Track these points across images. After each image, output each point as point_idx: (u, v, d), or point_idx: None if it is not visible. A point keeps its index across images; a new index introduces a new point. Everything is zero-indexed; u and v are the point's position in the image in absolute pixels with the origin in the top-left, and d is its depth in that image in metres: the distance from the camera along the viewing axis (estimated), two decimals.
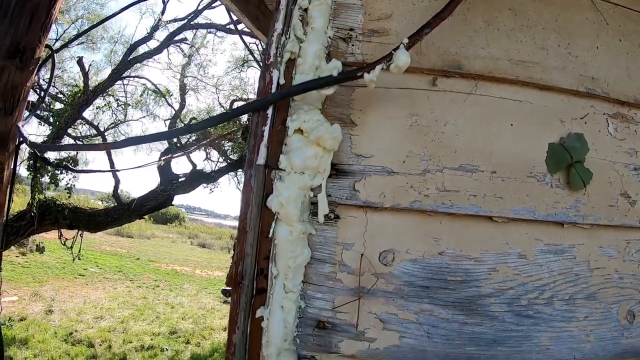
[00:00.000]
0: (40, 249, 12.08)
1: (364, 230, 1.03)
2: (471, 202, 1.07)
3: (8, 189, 2.03)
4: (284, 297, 0.97)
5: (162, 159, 6.78)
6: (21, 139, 2.10)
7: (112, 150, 7.76)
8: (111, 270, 11.91)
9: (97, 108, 7.23)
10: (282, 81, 1.05)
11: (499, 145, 1.10)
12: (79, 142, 7.98)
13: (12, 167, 2.07)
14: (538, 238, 1.12)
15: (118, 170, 7.67)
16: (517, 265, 1.09)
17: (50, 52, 2.59)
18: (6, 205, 2.05)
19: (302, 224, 0.98)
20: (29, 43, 2.23)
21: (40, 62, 2.50)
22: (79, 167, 7.23)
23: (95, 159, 22.16)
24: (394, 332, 1.01)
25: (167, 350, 7.04)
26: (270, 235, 0.99)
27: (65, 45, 7.62)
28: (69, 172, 6.22)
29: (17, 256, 11.14)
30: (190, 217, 38.49)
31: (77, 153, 7.51)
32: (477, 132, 1.10)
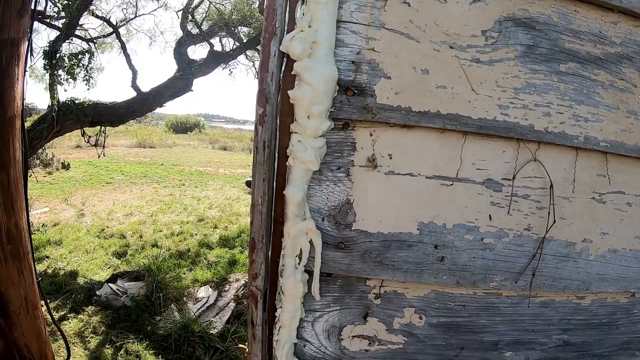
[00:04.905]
0: (65, 166, 12.25)
1: None
2: None
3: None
4: None
5: None
6: None
7: (126, 45, 7.22)
8: (137, 176, 12.07)
9: None
10: None
11: None
12: (90, 44, 7.30)
13: None
14: None
15: None
16: None
17: None
18: (29, 30, 1.95)
19: None
20: None
21: None
22: (94, 66, 6.72)
23: (110, 61, 21.58)
24: None
25: (195, 235, 7.13)
26: None
27: None
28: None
29: (44, 176, 11.32)
30: (209, 124, 38.41)
31: (91, 46, 7.00)
32: None
